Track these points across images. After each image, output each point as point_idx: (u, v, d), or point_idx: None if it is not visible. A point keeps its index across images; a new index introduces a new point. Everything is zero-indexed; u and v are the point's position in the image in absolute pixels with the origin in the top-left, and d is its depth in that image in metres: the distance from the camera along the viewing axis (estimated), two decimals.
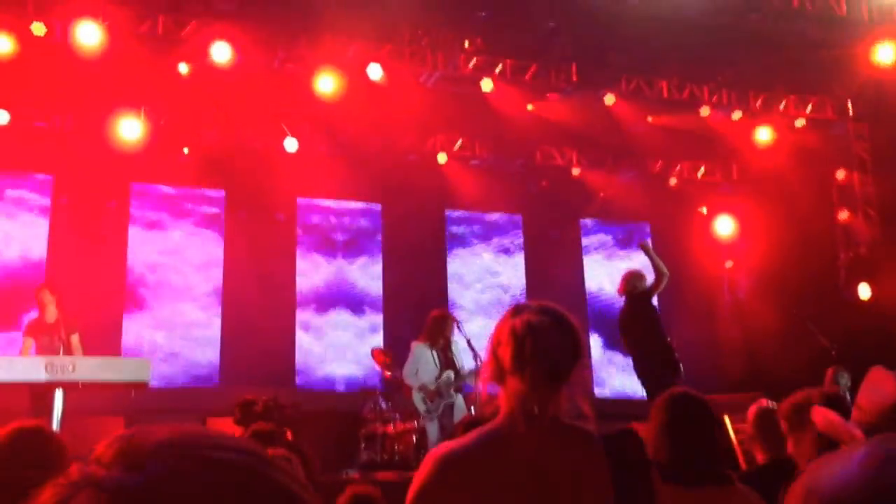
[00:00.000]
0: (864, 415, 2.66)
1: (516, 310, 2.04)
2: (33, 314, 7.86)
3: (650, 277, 8.26)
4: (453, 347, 7.81)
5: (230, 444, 0.64)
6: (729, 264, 13.16)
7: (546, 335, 1.95)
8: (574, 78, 10.62)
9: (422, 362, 7.65)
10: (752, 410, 4.13)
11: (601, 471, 1.92)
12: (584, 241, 12.90)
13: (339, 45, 9.90)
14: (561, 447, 1.96)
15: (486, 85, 10.33)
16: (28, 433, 2.47)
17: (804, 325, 9.78)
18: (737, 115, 11.45)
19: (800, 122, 11.73)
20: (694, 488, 2.60)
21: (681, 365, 7.79)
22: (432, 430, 7.58)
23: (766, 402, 4.19)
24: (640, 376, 7.94)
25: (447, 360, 7.71)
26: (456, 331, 7.88)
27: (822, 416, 2.87)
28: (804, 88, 11.50)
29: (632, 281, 8.18)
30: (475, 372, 7.66)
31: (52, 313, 7.52)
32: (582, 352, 2.02)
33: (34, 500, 0.59)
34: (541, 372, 1.94)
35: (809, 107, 11.70)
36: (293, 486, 0.64)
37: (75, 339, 7.48)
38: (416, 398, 7.68)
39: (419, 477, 1.96)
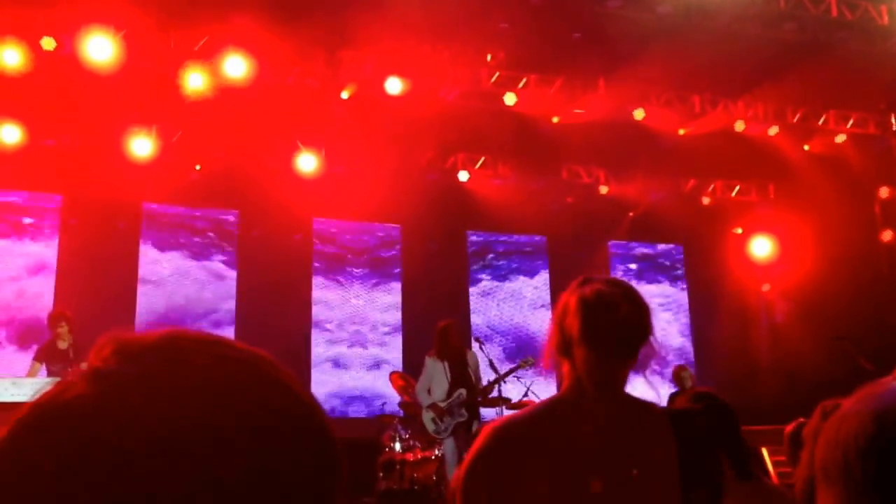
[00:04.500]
0: None
1: (585, 280, 1.97)
2: (45, 338, 7.73)
3: None
4: (470, 361, 7.54)
5: (233, 343, 0.64)
6: (766, 287, 12.63)
7: (617, 307, 1.90)
8: (602, 92, 10.22)
9: (434, 377, 7.46)
10: (788, 429, 3.91)
11: (668, 446, 1.88)
12: (613, 263, 12.46)
13: (358, 59, 9.63)
14: (627, 420, 1.93)
15: (510, 99, 9.97)
16: None
17: (846, 349, 9.28)
18: (773, 130, 10.98)
19: (840, 138, 11.24)
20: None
21: None
22: (448, 450, 7.24)
23: (802, 420, 3.97)
24: None
25: (460, 376, 7.44)
26: (475, 349, 7.65)
27: None
28: (845, 102, 11.00)
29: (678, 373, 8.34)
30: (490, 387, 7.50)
31: (65, 339, 7.35)
32: (651, 329, 1.95)
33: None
34: (611, 343, 1.90)
35: (851, 121, 11.19)
36: (298, 388, 0.63)
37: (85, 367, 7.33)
38: (426, 418, 7.45)
39: (473, 450, 1.89)
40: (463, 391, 7.40)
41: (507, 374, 7.67)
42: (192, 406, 0.57)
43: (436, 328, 7.65)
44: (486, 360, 7.59)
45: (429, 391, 7.49)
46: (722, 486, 1.92)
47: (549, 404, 1.98)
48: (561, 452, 1.87)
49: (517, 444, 1.88)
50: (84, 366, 0.62)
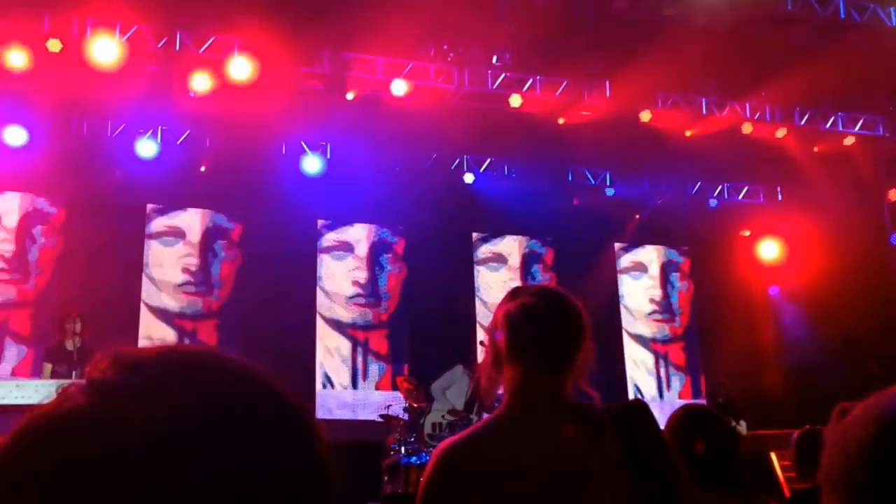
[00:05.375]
0: None
1: (513, 293, 1.97)
2: (53, 339, 7.74)
3: None
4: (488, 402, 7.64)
5: (227, 357, 0.65)
6: (774, 290, 12.55)
7: (543, 319, 1.88)
8: (607, 94, 10.18)
9: (455, 384, 7.66)
10: (796, 434, 3.88)
11: (612, 446, 1.84)
12: (619, 265, 12.39)
13: (363, 61, 9.62)
14: (566, 428, 1.88)
15: (515, 101, 9.95)
16: None
17: (855, 352, 9.26)
18: (781, 132, 10.91)
19: (849, 140, 11.16)
20: (708, 492, 2.68)
21: None
22: None
23: (810, 427, 3.94)
24: None
25: (477, 405, 7.55)
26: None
27: None
28: (853, 104, 10.93)
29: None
30: None
31: (73, 340, 7.32)
32: (584, 337, 1.91)
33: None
34: (538, 357, 1.88)
35: (860, 123, 11.12)
36: (291, 400, 0.64)
37: None
38: (433, 416, 7.57)
39: (425, 474, 1.90)
40: (475, 418, 7.48)
41: None
42: (187, 417, 0.58)
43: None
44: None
45: (445, 393, 7.58)
46: (676, 482, 1.86)
47: (490, 422, 1.95)
48: (501, 471, 1.83)
49: (462, 468, 1.85)
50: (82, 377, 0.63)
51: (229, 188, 10.37)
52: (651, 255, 12.50)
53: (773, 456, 9.10)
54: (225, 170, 10.26)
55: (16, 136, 9.39)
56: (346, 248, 11.27)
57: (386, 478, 7.76)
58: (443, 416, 7.60)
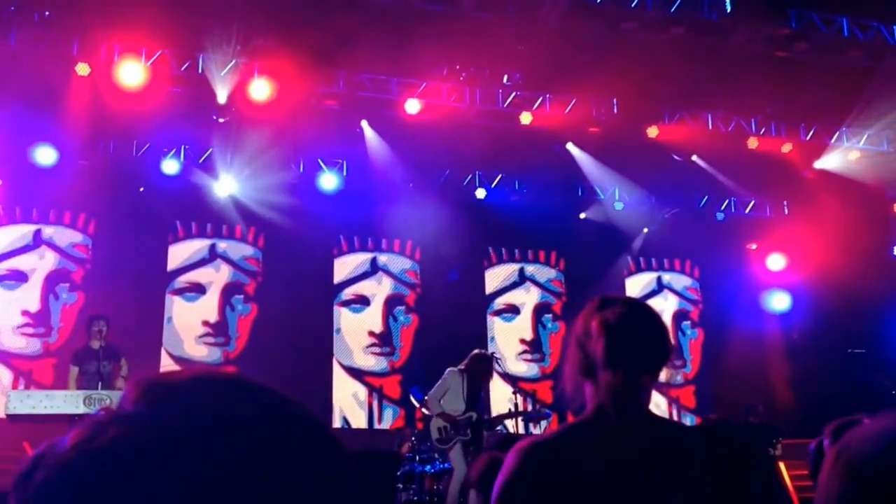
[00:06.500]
0: None
1: (604, 302, 1.97)
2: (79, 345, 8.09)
3: None
4: (483, 394, 7.81)
5: (258, 386, 0.64)
6: (781, 302, 12.65)
7: (640, 329, 1.92)
8: (615, 110, 10.41)
9: (451, 389, 7.69)
10: (812, 445, 3.95)
11: (698, 462, 1.86)
12: (628, 280, 12.53)
13: (377, 81, 9.91)
14: (654, 440, 1.91)
15: (526, 118, 10.21)
16: None
17: (862, 364, 9.35)
18: (787, 147, 11.08)
19: (853, 155, 11.31)
20: None
21: None
22: (457, 460, 7.51)
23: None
24: None
25: (474, 398, 7.69)
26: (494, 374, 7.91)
27: None
28: (858, 119, 11.10)
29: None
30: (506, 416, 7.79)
31: (100, 341, 7.72)
32: (672, 348, 1.99)
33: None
34: (636, 365, 1.91)
35: (864, 138, 11.28)
36: (325, 432, 0.64)
37: (124, 361, 7.80)
38: (433, 425, 7.71)
39: (504, 471, 1.90)
40: (474, 414, 7.68)
41: (519, 414, 7.94)
42: (217, 456, 0.58)
43: (480, 355, 7.94)
44: (501, 372, 7.84)
45: (440, 401, 7.73)
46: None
47: (576, 426, 1.95)
48: (585, 478, 1.84)
49: (547, 467, 1.86)
50: (114, 402, 0.65)
51: (250, 205, 10.66)
52: (662, 305, 12.47)
53: (783, 466, 9.22)
54: (245, 187, 10.56)
55: (46, 155, 9.78)
56: (363, 301, 11.45)
57: (400, 486, 7.91)
58: (445, 423, 7.79)
